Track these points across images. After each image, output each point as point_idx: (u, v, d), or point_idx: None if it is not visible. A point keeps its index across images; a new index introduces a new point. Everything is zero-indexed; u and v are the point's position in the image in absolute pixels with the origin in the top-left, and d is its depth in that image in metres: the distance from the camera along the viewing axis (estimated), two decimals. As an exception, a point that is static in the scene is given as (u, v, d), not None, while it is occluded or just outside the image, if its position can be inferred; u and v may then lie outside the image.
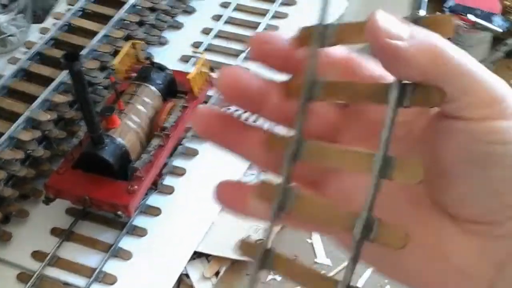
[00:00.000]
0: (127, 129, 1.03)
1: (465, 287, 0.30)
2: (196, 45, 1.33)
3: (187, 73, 1.14)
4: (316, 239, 1.07)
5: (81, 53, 1.14)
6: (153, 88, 1.11)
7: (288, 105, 0.31)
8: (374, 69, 0.32)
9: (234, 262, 1.03)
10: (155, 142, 1.06)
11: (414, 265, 0.31)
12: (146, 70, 1.13)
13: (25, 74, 1.18)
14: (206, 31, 1.36)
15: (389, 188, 0.28)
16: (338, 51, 0.32)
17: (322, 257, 1.05)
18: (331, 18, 0.30)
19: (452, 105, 0.28)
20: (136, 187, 1.00)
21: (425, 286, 0.31)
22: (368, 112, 0.33)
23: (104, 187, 1.00)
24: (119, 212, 0.99)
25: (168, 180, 1.13)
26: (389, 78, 0.29)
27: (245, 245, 0.35)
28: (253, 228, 1.06)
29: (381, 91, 0.30)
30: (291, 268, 0.34)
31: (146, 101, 1.09)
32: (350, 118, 0.33)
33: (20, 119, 1.07)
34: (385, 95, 0.30)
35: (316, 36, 0.31)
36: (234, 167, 1.16)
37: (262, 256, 0.33)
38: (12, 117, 1.09)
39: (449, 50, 0.27)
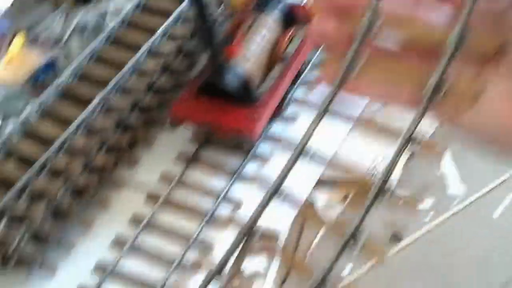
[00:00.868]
0: (248, 57, 1.03)
1: None
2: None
3: (305, 4, 1.12)
4: (448, 168, 1.03)
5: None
6: (272, 17, 1.10)
7: None
8: None
9: (363, 186, 1.01)
10: (276, 70, 1.05)
11: (491, 107, 0.33)
12: (265, 0, 1.11)
13: (144, 8, 1.19)
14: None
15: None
16: None
17: (455, 188, 1.01)
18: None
19: None
20: (259, 113, 1.00)
21: (503, 127, 0.34)
22: None
23: (229, 112, 1.00)
24: (243, 138, 0.99)
25: (290, 109, 1.12)
26: None
27: None
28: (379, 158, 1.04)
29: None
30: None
31: (265, 30, 1.08)
32: None
33: (142, 49, 1.08)
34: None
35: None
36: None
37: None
38: (134, 48, 1.10)
39: None
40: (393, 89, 0.38)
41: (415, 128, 0.36)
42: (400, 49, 0.39)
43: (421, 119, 0.36)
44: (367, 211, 0.41)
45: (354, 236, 0.43)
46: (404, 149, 0.36)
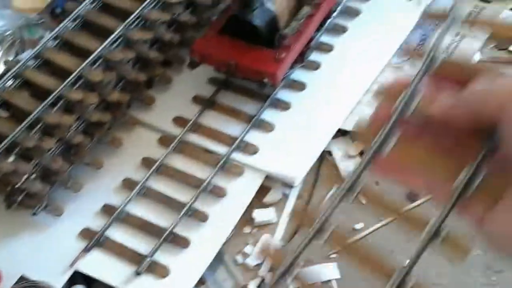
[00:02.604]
0: (277, -7, 0.97)
1: None
2: None
3: None
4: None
5: None
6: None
7: None
8: None
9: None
10: (304, 10, 0.99)
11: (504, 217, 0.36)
12: None
13: None
14: None
15: None
16: None
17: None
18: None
19: None
20: (283, 55, 0.95)
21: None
22: None
23: (251, 53, 0.95)
24: (265, 80, 0.94)
25: (314, 56, 1.06)
26: None
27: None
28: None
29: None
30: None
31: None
32: None
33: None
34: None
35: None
36: (384, 45, 1.08)
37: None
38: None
39: None
40: (423, 179, 0.41)
41: (442, 222, 0.39)
42: (436, 140, 0.41)
43: (448, 215, 0.39)
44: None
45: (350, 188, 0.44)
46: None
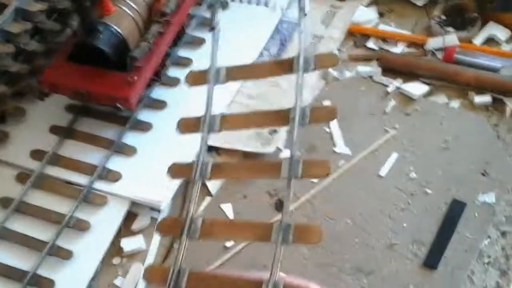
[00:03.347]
0: (123, 15, 0.94)
1: None
2: None
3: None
4: (335, 128, 1.00)
5: None
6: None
7: None
8: None
9: (245, 155, 0.97)
10: (154, 28, 0.97)
11: None
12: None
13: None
14: None
15: None
16: None
17: (341, 147, 0.98)
18: None
19: None
20: (135, 77, 0.92)
21: None
22: None
23: (102, 79, 0.92)
24: (118, 105, 0.92)
25: (173, 72, 1.05)
26: None
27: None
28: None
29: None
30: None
31: (143, -15, 0.99)
32: None
33: (8, 10, 0.98)
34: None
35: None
36: (245, 54, 1.08)
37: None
38: (-1, 8, 1.00)
39: None
40: None
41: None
42: None
43: None
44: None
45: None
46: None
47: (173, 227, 0.49)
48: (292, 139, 0.61)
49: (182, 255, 0.48)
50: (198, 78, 0.50)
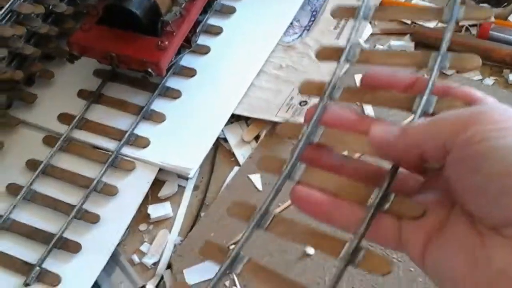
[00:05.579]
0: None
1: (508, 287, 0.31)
2: None
3: None
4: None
5: None
6: None
7: None
8: None
9: (274, 125, 0.95)
10: (186, -6, 0.95)
11: (459, 270, 0.33)
12: None
13: None
14: None
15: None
16: None
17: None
18: None
19: None
20: (167, 43, 0.91)
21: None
22: None
23: (132, 43, 0.91)
24: (149, 70, 0.90)
25: (203, 40, 1.03)
26: None
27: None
28: (292, 94, 0.97)
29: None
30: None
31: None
32: None
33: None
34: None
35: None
36: (274, 24, 1.06)
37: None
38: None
39: None
40: (333, 203, 0.40)
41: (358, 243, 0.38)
42: (342, 165, 0.43)
43: (364, 234, 0.38)
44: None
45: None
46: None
47: (333, 54, 0.47)
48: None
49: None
50: (330, 54, 0.47)
